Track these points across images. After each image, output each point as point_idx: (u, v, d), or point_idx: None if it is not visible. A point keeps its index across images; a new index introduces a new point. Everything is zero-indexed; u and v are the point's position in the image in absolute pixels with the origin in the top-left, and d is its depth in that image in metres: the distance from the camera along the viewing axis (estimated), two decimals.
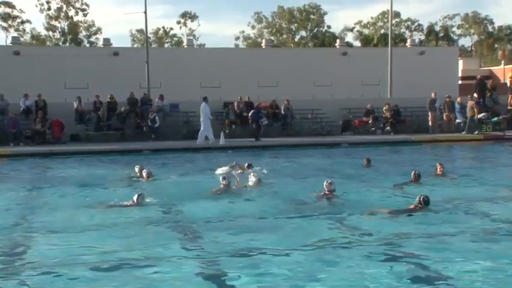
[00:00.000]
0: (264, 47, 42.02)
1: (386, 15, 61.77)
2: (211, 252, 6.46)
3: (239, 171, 12.38)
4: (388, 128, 24.11)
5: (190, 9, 79.48)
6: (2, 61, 30.16)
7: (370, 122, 24.36)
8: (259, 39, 63.76)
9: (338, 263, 5.96)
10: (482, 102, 25.02)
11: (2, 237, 7.35)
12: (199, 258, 6.26)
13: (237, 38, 71.66)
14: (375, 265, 5.86)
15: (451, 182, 11.40)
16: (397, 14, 63.87)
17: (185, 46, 47.39)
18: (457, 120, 23.89)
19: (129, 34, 70.15)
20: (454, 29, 68.92)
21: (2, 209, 9.38)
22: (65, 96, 25.47)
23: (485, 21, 67.83)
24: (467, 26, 68.65)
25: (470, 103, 23.34)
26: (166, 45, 66.01)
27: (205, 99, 21.40)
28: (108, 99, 23.34)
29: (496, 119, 23.80)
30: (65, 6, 61.40)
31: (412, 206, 8.31)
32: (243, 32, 71.64)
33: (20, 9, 61.69)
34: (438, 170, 12.08)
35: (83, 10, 61.77)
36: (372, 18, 69.54)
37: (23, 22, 62.75)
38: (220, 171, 12.44)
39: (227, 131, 22.51)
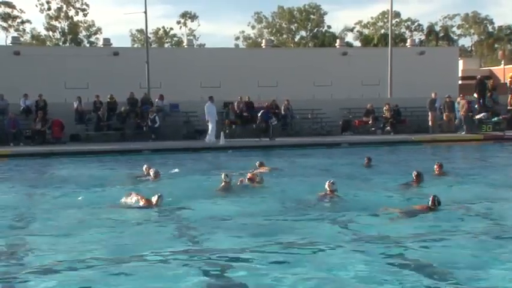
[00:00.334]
0: (264, 47, 42.01)
1: (386, 15, 61.76)
2: (212, 251, 6.45)
3: (261, 170, 12.53)
4: (388, 128, 24.11)
5: (190, 9, 79.51)
6: (2, 61, 30.16)
7: (370, 122, 24.36)
8: (259, 39, 63.76)
9: (340, 263, 5.96)
10: (483, 102, 25.06)
11: (2, 237, 7.35)
12: (199, 258, 6.25)
13: (237, 38, 71.82)
14: (376, 265, 5.86)
15: (450, 182, 11.36)
16: (397, 14, 63.89)
17: (185, 46, 47.40)
18: (457, 121, 23.93)
19: (129, 34, 70.29)
20: (454, 29, 69.07)
21: (2, 209, 9.35)
22: (65, 96, 25.46)
23: (485, 21, 67.86)
24: (467, 26, 68.64)
25: (462, 102, 23.39)
26: (166, 45, 65.98)
27: (211, 98, 21.45)
28: (108, 99, 23.34)
29: (496, 119, 23.85)
30: (65, 6, 61.43)
31: (424, 206, 8.22)
32: (243, 32, 71.80)
33: (20, 9, 61.84)
34: (436, 170, 12.07)
35: (83, 10, 61.82)
36: (372, 18, 69.65)
37: (23, 22, 62.82)
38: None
39: (227, 131, 22.52)
